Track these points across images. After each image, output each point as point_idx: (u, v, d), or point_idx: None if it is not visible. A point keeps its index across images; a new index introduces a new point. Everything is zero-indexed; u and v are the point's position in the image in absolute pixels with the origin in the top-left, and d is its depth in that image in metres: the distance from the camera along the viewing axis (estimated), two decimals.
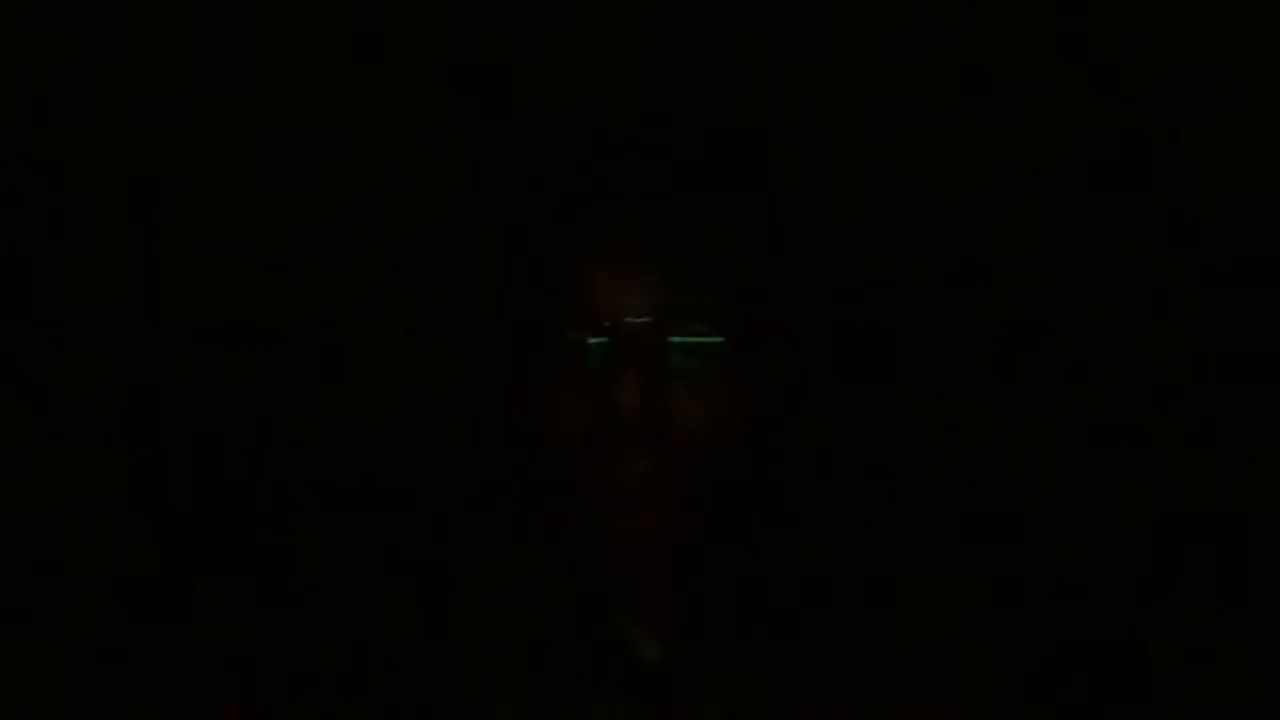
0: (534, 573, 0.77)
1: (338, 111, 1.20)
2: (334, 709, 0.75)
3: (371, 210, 1.20)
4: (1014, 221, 1.14)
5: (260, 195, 1.20)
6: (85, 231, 1.20)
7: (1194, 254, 1.11)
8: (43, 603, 1.16)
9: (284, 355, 1.18)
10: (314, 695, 0.76)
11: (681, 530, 0.68)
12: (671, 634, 0.72)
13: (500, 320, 0.75)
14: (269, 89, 1.20)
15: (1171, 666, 1.07)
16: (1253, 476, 1.09)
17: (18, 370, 1.19)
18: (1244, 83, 1.10)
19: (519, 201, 0.75)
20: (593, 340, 0.69)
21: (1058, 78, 1.12)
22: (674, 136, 0.77)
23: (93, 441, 1.20)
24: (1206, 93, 1.11)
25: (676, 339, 0.68)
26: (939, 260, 1.14)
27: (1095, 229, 1.13)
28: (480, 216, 1.11)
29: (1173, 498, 1.10)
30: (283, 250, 1.20)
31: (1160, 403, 1.11)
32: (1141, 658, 1.08)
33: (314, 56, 1.19)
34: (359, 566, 0.83)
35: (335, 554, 1.14)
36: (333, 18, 1.19)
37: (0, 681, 1.13)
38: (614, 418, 0.66)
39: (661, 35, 1.15)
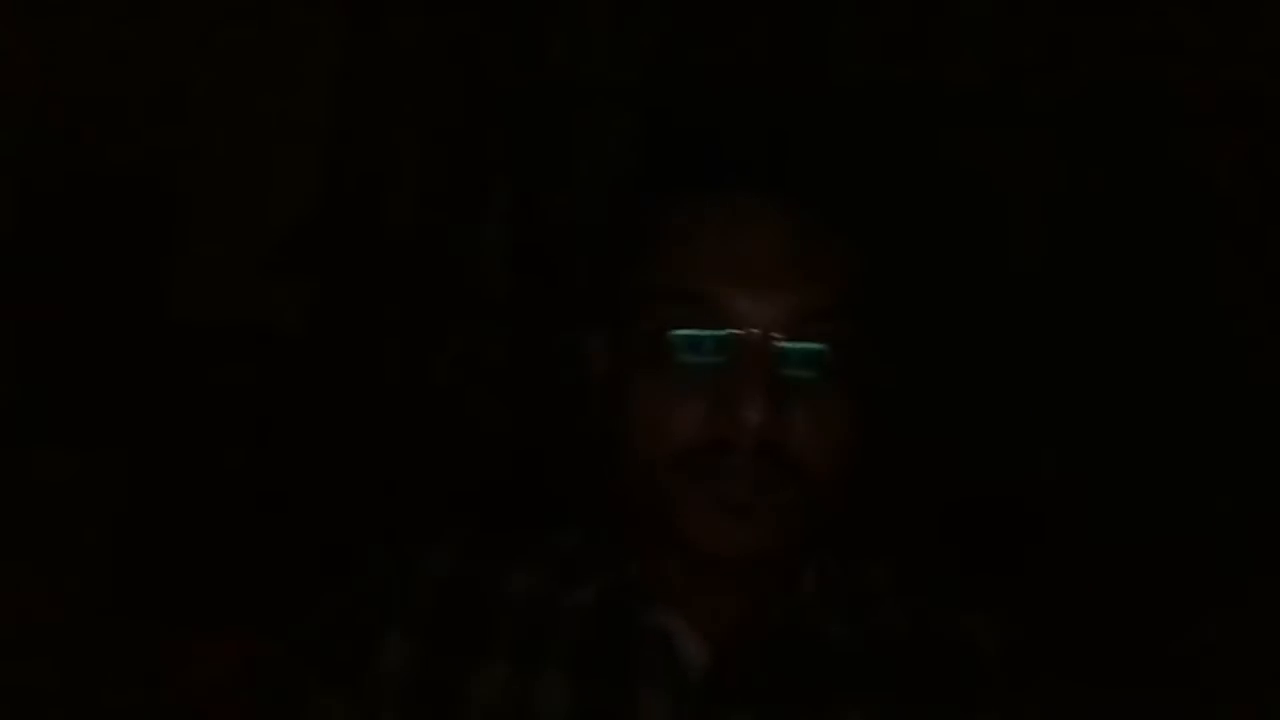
0: (583, 564, 0.74)
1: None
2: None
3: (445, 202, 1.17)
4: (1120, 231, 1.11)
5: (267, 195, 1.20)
6: (86, 232, 1.20)
7: None
8: (42, 602, 1.16)
9: (297, 354, 1.18)
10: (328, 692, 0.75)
11: (780, 547, 0.65)
12: (720, 637, 0.70)
13: (599, 319, 0.71)
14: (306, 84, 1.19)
15: None
16: None
17: (18, 370, 1.19)
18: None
19: (635, 196, 0.70)
20: (704, 344, 0.65)
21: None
22: (809, 141, 0.73)
23: (93, 441, 1.20)
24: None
25: (789, 346, 0.64)
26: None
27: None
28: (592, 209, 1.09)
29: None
30: (287, 250, 1.19)
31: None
32: None
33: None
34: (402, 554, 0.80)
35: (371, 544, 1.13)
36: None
37: (1, 680, 1.13)
38: (732, 431, 0.62)
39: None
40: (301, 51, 1.22)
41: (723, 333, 0.65)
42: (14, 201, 1.20)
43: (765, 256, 0.66)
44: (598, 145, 1.14)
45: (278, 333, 1.20)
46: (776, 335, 0.64)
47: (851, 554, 0.74)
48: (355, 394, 1.19)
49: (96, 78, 1.21)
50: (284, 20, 1.22)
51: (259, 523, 1.18)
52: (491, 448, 1.15)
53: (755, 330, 0.64)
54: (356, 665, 0.71)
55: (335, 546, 1.16)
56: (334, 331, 1.20)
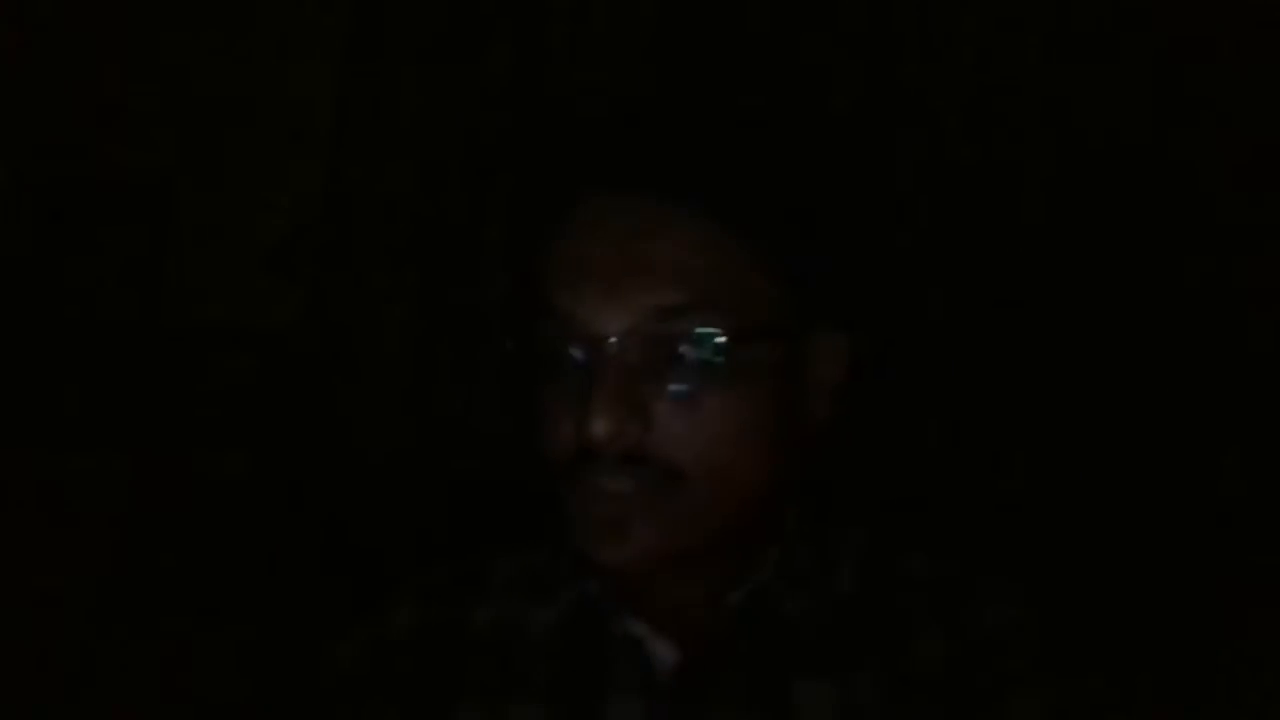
0: (550, 580, 0.73)
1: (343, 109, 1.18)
2: (339, 708, 0.73)
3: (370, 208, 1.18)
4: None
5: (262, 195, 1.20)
6: (85, 232, 1.20)
7: None
8: (43, 602, 1.16)
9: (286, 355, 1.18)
10: (315, 694, 0.74)
11: (669, 552, 0.64)
12: (687, 636, 0.70)
13: (493, 325, 0.69)
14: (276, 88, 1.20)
15: None
16: None
17: (19, 372, 1.19)
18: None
19: (507, 199, 0.68)
20: (564, 357, 0.63)
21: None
22: (678, 128, 0.70)
23: (92, 441, 1.20)
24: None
25: (648, 348, 0.62)
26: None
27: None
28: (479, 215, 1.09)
29: None
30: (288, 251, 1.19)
31: None
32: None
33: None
34: (368, 566, 0.79)
35: (338, 554, 1.13)
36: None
37: (1, 680, 1.13)
38: (589, 441, 0.61)
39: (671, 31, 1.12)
40: (302, 51, 1.22)
41: (574, 344, 0.63)
42: (13, 202, 1.20)
43: (607, 260, 0.63)
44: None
45: (277, 333, 1.20)
46: (626, 340, 0.62)
47: (824, 524, 0.73)
48: (355, 394, 1.19)
49: (96, 78, 1.21)
50: (284, 20, 1.22)
51: (259, 523, 1.19)
52: (493, 450, 1.15)
53: (608, 338, 0.62)
54: None
55: (336, 547, 1.16)
56: (333, 332, 1.20)
